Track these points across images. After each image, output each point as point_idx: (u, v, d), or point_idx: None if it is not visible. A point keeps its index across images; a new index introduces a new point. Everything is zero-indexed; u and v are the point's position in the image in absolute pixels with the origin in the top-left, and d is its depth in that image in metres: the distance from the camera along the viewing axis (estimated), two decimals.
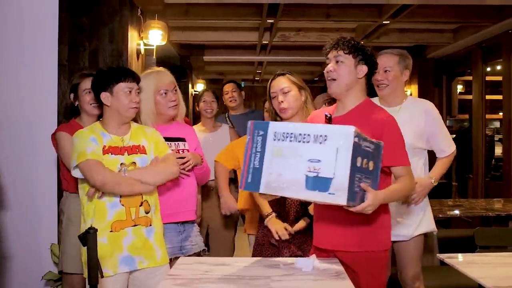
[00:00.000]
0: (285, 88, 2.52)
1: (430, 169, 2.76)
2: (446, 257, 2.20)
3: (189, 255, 2.52)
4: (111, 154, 2.20)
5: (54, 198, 3.47)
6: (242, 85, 5.53)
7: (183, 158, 2.51)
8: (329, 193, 1.75)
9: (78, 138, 2.20)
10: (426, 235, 2.80)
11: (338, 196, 1.74)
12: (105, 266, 2.10)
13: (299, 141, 1.84)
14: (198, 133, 3.07)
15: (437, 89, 7.50)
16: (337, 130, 1.79)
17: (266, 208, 2.54)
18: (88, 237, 1.75)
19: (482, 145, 6.57)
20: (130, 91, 2.23)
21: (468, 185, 7.02)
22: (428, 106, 2.74)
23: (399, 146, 2.03)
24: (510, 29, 5.63)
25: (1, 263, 3.36)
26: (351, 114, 2.09)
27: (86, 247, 1.77)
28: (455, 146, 2.78)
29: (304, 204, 2.52)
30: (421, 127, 2.64)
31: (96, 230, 1.77)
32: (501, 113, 6.45)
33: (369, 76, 2.12)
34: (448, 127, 4.85)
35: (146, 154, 2.28)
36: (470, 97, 7.03)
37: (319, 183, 1.77)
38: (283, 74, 2.57)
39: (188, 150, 2.60)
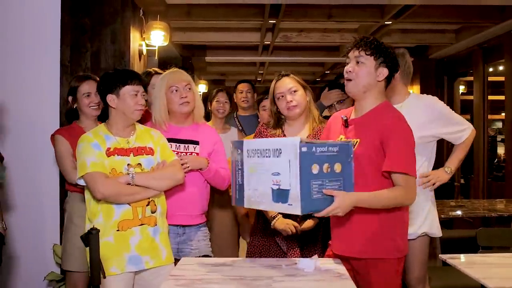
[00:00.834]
0: (292, 88, 2.53)
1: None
2: (449, 257, 2.20)
3: None
4: (117, 155, 2.22)
5: (57, 199, 3.48)
6: None
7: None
8: (289, 204, 1.79)
9: (81, 146, 2.21)
10: (431, 239, 2.74)
11: (294, 206, 1.78)
12: (112, 265, 2.13)
13: (264, 156, 1.90)
14: None
15: (439, 90, 7.47)
16: (286, 142, 1.83)
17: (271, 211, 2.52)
18: (91, 238, 1.75)
19: (483, 146, 6.56)
20: (136, 94, 2.26)
21: (470, 186, 7.01)
22: (431, 99, 2.68)
23: (402, 152, 1.94)
24: None
25: (6, 263, 3.36)
26: (367, 116, 2.05)
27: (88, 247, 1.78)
28: (471, 129, 2.67)
29: None
30: (422, 120, 2.54)
31: (98, 230, 1.77)
32: (503, 114, 6.44)
33: (388, 78, 2.05)
34: None
35: (152, 155, 2.30)
36: (472, 97, 7.02)
37: (281, 195, 1.82)
38: (287, 75, 2.58)
39: (197, 154, 2.53)
